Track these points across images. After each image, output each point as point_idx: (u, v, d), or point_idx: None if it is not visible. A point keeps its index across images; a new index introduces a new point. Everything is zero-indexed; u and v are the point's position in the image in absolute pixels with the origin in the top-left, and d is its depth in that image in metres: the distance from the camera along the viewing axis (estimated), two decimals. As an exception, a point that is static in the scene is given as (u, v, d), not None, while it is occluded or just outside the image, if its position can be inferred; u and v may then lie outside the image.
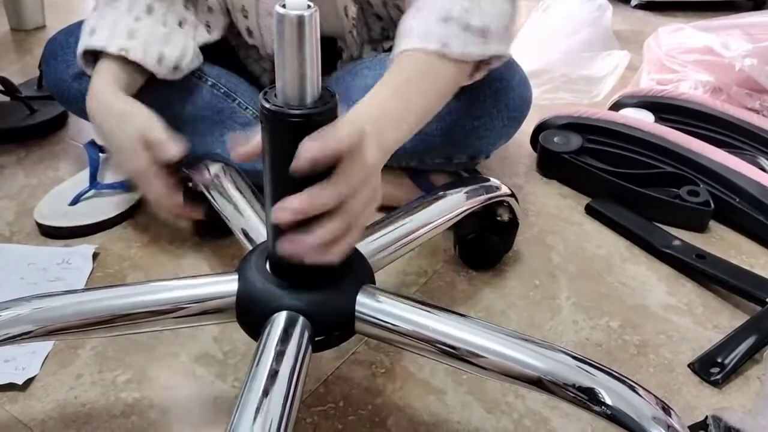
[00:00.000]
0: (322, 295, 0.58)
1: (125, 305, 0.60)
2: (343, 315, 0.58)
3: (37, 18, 1.65)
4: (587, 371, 0.52)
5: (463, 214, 0.79)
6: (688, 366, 0.76)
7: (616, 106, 1.25)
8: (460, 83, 0.75)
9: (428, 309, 0.59)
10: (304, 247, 0.53)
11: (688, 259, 0.91)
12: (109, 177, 1.01)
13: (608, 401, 0.50)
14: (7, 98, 1.21)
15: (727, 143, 1.14)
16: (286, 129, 0.51)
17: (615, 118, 1.15)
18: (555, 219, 1.02)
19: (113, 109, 0.80)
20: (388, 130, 0.63)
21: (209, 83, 0.94)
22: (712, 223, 1.01)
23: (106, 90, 0.81)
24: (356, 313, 0.58)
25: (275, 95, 0.52)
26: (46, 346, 0.75)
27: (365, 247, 0.67)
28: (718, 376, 0.74)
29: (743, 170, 1.02)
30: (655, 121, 1.17)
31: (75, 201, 0.96)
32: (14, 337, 0.57)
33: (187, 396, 0.71)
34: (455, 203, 0.79)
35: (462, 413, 0.70)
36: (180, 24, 0.89)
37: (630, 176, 1.05)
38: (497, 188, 0.83)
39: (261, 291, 0.58)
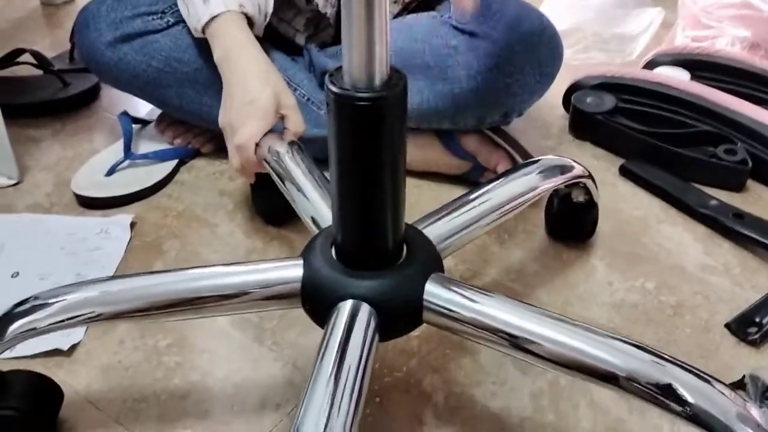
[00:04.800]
0: (389, 283, 0.56)
1: (191, 289, 0.60)
2: (411, 304, 0.57)
3: (65, -9, 1.66)
4: (665, 367, 0.49)
5: (536, 196, 0.75)
6: (726, 326, 0.76)
7: (651, 65, 1.22)
8: None
9: (500, 300, 0.57)
10: None
11: (725, 219, 0.90)
12: (142, 147, 1.03)
13: (690, 400, 0.47)
14: (40, 72, 1.22)
15: (766, 100, 1.11)
16: (354, 114, 0.49)
17: (649, 77, 1.12)
18: (588, 181, 1.00)
19: (258, 61, 0.81)
20: None
21: None
22: (750, 182, 0.99)
23: (249, 42, 0.82)
24: (424, 303, 0.56)
25: (342, 77, 0.49)
26: (88, 313, 0.77)
27: (433, 232, 0.64)
28: (756, 336, 0.74)
29: (783, 127, 1.00)
30: (691, 79, 1.14)
31: (111, 172, 0.98)
32: (83, 320, 0.58)
33: (226, 358, 0.73)
34: (528, 185, 0.74)
35: (497, 374, 0.70)
36: None
37: (665, 136, 1.02)
38: (571, 168, 0.78)
39: (327, 278, 0.57)
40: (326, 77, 0.50)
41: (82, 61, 1.02)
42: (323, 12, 0.96)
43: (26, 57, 1.21)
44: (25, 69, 1.22)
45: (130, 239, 0.89)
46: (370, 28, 0.47)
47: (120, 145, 1.01)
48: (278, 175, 0.76)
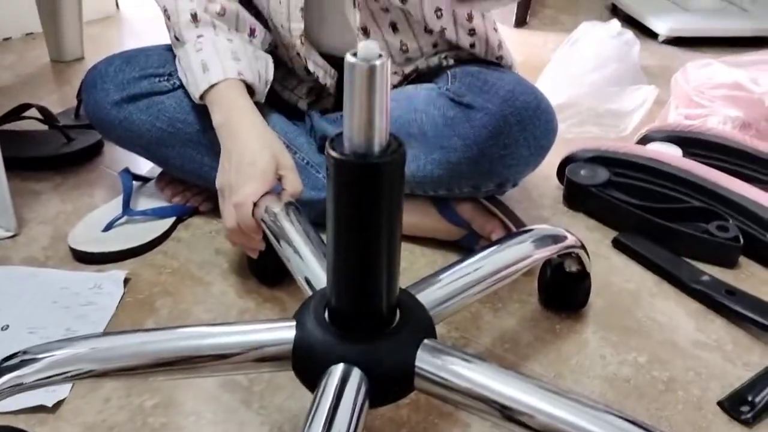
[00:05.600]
0: (381, 348, 0.56)
1: (182, 349, 0.59)
2: (402, 371, 0.56)
3: (76, 50, 1.70)
4: None
5: (530, 265, 0.75)
6: (718, 404, 0.75)
7: (644, 141, 1.25)
8: None
9: (493, 369, 0.57)
10: None
11: (717, 295, 0.90)
12: (141, 204, 1.04)
13: None
14: (45, 127, 1.24)
15: (757, 178, 1.13)
16: (353, 179, 0.50)
17: (642, 152, 1.15)
18: (582, 252, 1.01)
19: (257, 125, 0.83)
20: None
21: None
22: (742, 259, 1.00)
23: (247, 107, 0.85)
24: (416, 370, 0.56)
25: (342, 143, 0.51)
26: (76, 369, 0.76)
27: (426, 297, 0.64)
28: (749, 415, 0.73)
29: (773, 206, 1.01)
30: (683, 156, 1.17)
31: (108, 227, 0.99)
32: (72, 376, 0.57)
33: (212, 421, 0.71)
34: (522, 253, 0.75)
35: (487, 446, 0.69)
36: (251, 33, 0.94)
37: (658, 210, 1.04)
38: (564, 238, 0.79)
39: (319, 341, 0.57)
40: (327, 142, 0.51)
41: (87, 118, 1.04)
42: (323, 83, 0.99)
43: (32, 112, 1.24)
44: (30, 123, 1.24)
45: (123, 295, 0.89)
46: (370, 98, 0.48)
47: (119, 201, 1.02)
48: (274, 235, 0.76)
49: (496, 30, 1.01)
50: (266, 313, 0.87)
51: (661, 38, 1.98)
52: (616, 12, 2.21)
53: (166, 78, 0.97)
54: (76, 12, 1.67)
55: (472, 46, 0.98)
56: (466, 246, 0.98)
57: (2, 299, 0.87)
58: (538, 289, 0.91)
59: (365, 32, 0.91)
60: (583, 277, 0.86)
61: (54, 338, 0.59)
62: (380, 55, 0.47)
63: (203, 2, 0.91)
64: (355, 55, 0.47)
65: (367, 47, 0.47)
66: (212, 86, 0.86)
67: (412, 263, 0.96)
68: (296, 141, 1.00)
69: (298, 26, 0.92)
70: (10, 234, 1.00)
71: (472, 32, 0.96)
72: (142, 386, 0.75)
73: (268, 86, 0.93)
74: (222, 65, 0.86)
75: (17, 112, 1.24)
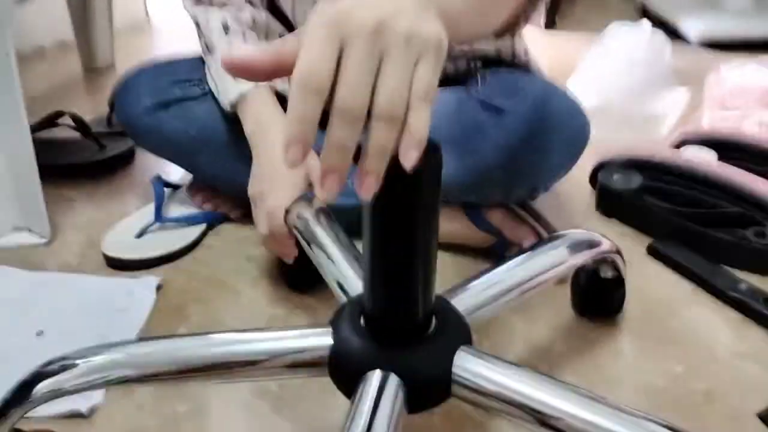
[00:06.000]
0: (418, 355, 0.56)
1: (219, 354, 0.60)
2: (440, 377, 0.56)
3: (107, 57, 1.73)
4: None
5: (565, 271, 0.74)
6: (757, 416, 0.73)
7: (678, 145, 1.23)
8: None
9: (530, 375, 0.56)
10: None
11: (755, 303, 0.88)
12: (173, 211, 1.05)
13: None
14: (78, 135, 1.26)
15: (795, 183, 1.10)
16: (390, 184, 0.49)
17: (677, 157, 1.13)
18: (615, 259, 1.00)
19: None
20: None
21: None
22: (781, 266, 0.98)
23: (278, 115, 0.86)
24: (453, 376, 0.56)
25: None
26: (109, 375, 0.77)
27: (461, 304, 0.64)
28: (791, 428, 0.71)
29: (813, 212, 0.98)
30: (718, 160, 1.14)
31: (141, 234, 1.00)
32: (109, 381, 0.58)
33: (244, 428, 0.72)
34: (557, 259, 0.74)
35: (520, 457, 0.68)
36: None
37: (693, 216, 1.02)
38: (599, 243, 0.78)
39: (355, 347, 0.56)
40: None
41: (120, 126, 1.05)
42: None
43: (65, 119, 1.26)
44: (64, 131, 1.26)
45: (155, 302, 0.89)
46: None
47: (151, 207, 1.03)
48: (306, 241, 0.77)
49: (521, 38, 1.00)
50: (296, 320, 0.87)
51: (693, 40, 1.95)
52: (646, 13, 2.18)
53: (196, 83, 0.98)
54: (107, 20, 1.70)
55: (498, 53, 0.97)
56: (497, 253, 0.97)
57: (37, 305, 0.88)
58: (572, 296, 0.89)
59: None
60: (618, 283, 0.84)
61: (88, 344, 0.59)
62: None
63: (234, 12, 0.92)
64: None
65: None
66: (243, 95, 0.86)
67: (442, 270, 0.95)
68: None
69: None
70: (44, 240, 1.02)
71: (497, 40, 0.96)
72: (173, 393, 0.75)
73: None
74: None
75: (51, 120, 1.26)
